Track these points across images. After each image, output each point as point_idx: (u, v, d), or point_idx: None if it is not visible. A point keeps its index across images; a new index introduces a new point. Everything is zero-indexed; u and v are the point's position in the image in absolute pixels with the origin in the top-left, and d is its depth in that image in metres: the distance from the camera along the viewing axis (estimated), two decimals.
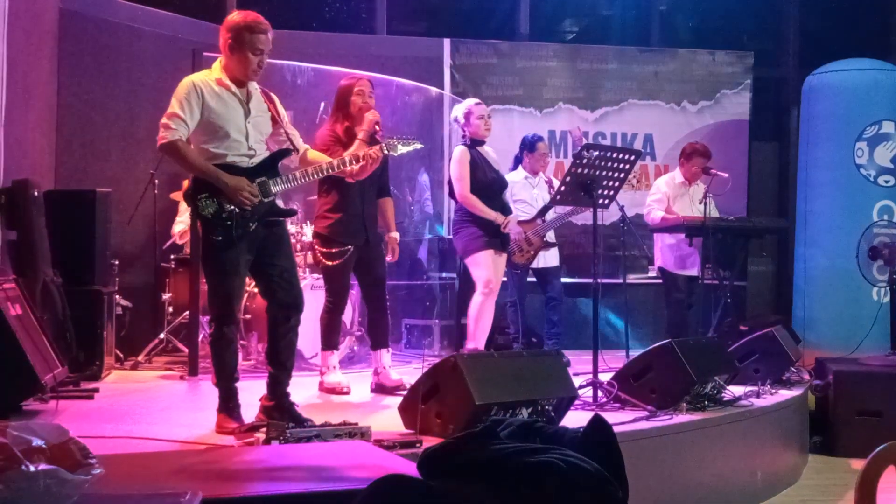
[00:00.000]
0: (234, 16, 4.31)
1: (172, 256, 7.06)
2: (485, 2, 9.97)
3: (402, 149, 4.83)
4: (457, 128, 6.36)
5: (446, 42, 8.91)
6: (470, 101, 6.33)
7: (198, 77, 4.26)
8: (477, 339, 6.08)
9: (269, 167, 4.29)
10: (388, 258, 5.79)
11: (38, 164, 6.68)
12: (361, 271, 5.56)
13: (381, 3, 9.13)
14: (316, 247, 5.52)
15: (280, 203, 4.39)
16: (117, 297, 6.52)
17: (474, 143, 6.20)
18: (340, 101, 5.48)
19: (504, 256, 6.25)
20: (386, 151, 4.78)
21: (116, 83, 7.55)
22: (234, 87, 4.24)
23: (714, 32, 10.41)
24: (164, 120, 4.14)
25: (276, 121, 4.43)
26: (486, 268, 6.05)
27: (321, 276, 5.77)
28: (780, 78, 10.05)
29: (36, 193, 5.57)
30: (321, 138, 5.36)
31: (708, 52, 9.44)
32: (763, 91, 9.74)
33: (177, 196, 7.29)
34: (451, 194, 6.29)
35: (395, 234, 5.81)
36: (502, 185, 6.35)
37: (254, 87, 4.35)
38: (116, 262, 6.64)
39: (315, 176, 4.49)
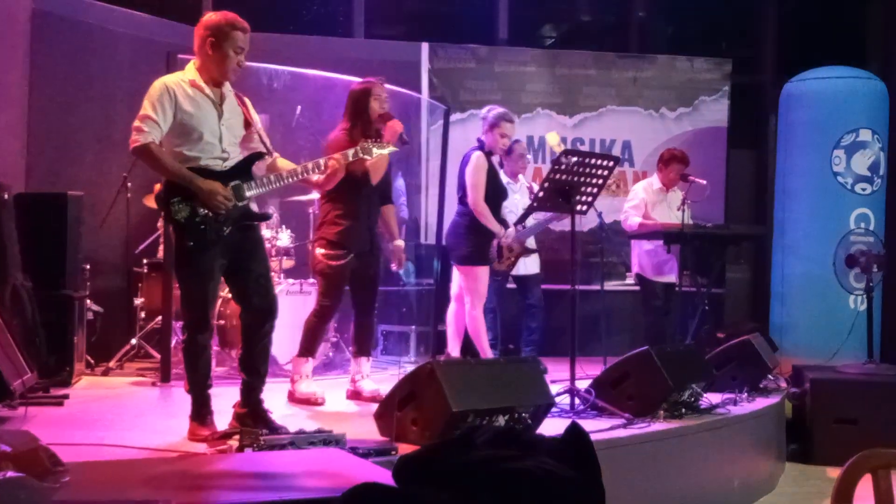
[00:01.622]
0: (212, 15, 4.27)
1: (145, 261, 6.99)
2: (463, 6, 9.97)
3: (377, 152, 4.79)
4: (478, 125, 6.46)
5: (424, 46, 8.89)
6: (502, 112, 6.35)
7: (170, 79, 4.21)
8: (482, 350, 6.28)
9: (243, 171, 4.24)
10: (394, 267, 5.84)
11: (9, 166, 6.61)
12: (356, 275, 5.48)
13: (358, 6, 9.11)
14: (319, 249, 5.41)
15: (254, 207, 4.34)
16: (88, 301, 6.45)
17: (488, 153, 6.27)
18: (357, 106, 5.38)
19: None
20: (360, 155, 4.73)
21: (90, 85, 7.48)
22: (207, 89, 4.20)
23: (692, 39, 10.46)
24: (136, 123, 4.09)
25: (249, 123, 4.39)
26: (483, 283, 6.20)
27: (310, 281, 5.70)
28: (758, 85, 10.11)
29: (6, 196, 5.50)
30: (337, 144, 5.20)
31: (686, 58, 9.45)
32: (741, 98, 9.78)
33: (150, 200, 7.22)
34: (462, 199, 6.30)
35: (400, 243, 5.77)
36: (505, 196, 6.47)
37: (227, 89, 4.30)
38: (88, 267, 6.56)
39: (290, 180, 4.44)
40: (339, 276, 5.38)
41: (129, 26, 7.74)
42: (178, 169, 4.08)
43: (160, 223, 7.17)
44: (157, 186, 4.72)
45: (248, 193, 4.21)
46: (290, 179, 4.44)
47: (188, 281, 4.20)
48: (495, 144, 6.27)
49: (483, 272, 6.20)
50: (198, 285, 4.17)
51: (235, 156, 4.27)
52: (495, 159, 6.43)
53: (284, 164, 4.51)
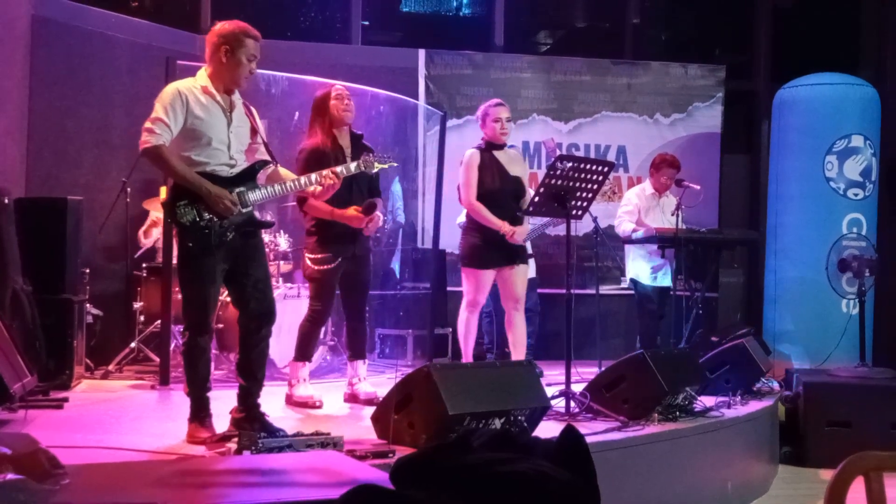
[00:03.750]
0: (225, 24, 4.31)
1: (144, 265, 7.02)
2: (460, 13, 10.01)
3: (379, 166, 4.90)
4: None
5: (421, 52, 8.92)
6: (488, 102, 6.09)
7: (183, 84, 4.26)
8: (464, 354, 6.05)
9: (249, 178, 4.30)
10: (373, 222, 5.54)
11: (9, 171, 6.63)
12: (346, 280, 5.49)
13: (356, 12, 9.14)
14: (305, 254, 5.44)
15: (258, 214, 4.39)
16: (88, 305, 6.47)
17: (490, 147, 5.98)
18: (319, 111, 5.43)
19: (515, 269, 5.93)
20: (363, 169, 4.82)
21: (89, 90, 7.51)
22: (218, 96, 4.25)
23: (686, 46, 10.52)
24: (147, 124, 4.13)
25: (255, 132, 4.44)
26: (474, 286, 5.91)
27: (307, 285, 5.69)
28: (751, 91, 10.15)
29: (6, 201, 5.52)
30: (311, 154, 5.30)
31: (680, 65, 9.50)
32: (735, 104, 9.82)
33: (149, 204, 7.25)
34: (461, 199, 6.08)
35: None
36: (515, 192, 5.98)
37: (237, 97, 4.36)
38: (87, 271, 6.59)
39: (294, 189, 4.56)
40: (329, 280, 5.41)
41: (128, 32, 7.78)
42: (186, 172, 4.13)
43: (152, 229, 7.22)
44: (164, 189, 4.77)
45: (251, 200, 4.26)
46: (294, 188, 4.54)
47: (190, 284, 4.23)
48: (495, 133, 5.95)
49: (477, 276, 5.90)
50: (199, 288, 4.21)
51: (241, 163, 4.33)
52: (511, 152, 6.13)
53: (285, 173, 4.57)
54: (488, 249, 5.86)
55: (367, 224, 5.37)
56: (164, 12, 8.46)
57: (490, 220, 5.81)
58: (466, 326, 5.99)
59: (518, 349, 5.98)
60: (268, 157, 4.47)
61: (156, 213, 7.13)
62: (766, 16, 10.12)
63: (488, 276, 5.93)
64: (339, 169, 4.66)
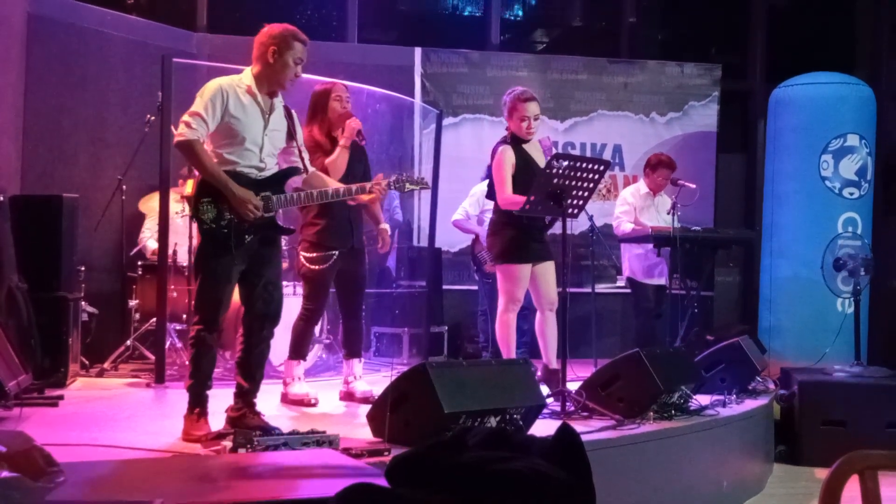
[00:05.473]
0: (275, 26, 4.36)
1: (140, 263, 7.01)
2: (456, 11, 10.02)
3: (410, 187, 4.89)
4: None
5: (417, 51, 8.92)
6: (518, 93, 5.67)
7: (226, 81, 4.27)
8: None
9: (276, 183, 4.31)
10: (380, 248, 5.66)
11: (4, 168, 6.62)
12: (342, 277, 5.49)
13: (352, 11, 9.14)
14: (301, 252, 5.43)
15: (280, 220, 4.38)
16: (83, 303, 6.46)
17: (516, 140, 5.69)
18: (318, 107, 5.44)
19: (547, 265, 5.72)
20: (393, 188, 4.83)
21: (85, 88, 7.50)
22: (260, 97, 4.27)
23: (683, 45, 10.53)
24: (185, 117, 4.16)
25: (292, 136, 4.45)
26: (517, 284, 5.64)
27: (301, 283, 5.69)
28: (747, 90, 10.17)
29: (1, 198, 5.53)
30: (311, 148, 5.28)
31: (677, 64, 9.51)
32: (731, 103, 9.85)
33: (144, 203, 7.24)
34: (490, 195, 5.85)
35: (385, 226, 5.68)
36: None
37: (279, 101, 4.37)
38: (83, 269, 6.58)
39: (320, 199, 4.58)
40: (323, 279, 5.40)
41: (123, 30, 7.77)
42: (215, 170, 4.14)
43: (143, 228, 7.21)
44: (190, 183, 4.78)
45: (275, 206, 4.27)
46: (321, 199, 4.58)
47: (205, 281, 4.23)
48: (520, 131, 5.63)
49: (517, 270, 5.61)
50: (214, 286, 4.21)
51: (272, 166, 4.34)
52: (535, 142, 5.83)
53: (319, 179, 4.60)
54: (525, 242, 5.65)
55: (382, 243, 5.56)
56: (159, 10, 8.45)
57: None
58: (507, 329, 5.71)
59: (550, 352, 5.74)
60: (299, 165, 4.48)
61: (150, 220, 7.10)
62: (761, 15, 10.13)
63: (526, 270, 5.64)
64: (383, 183, 4.72)
